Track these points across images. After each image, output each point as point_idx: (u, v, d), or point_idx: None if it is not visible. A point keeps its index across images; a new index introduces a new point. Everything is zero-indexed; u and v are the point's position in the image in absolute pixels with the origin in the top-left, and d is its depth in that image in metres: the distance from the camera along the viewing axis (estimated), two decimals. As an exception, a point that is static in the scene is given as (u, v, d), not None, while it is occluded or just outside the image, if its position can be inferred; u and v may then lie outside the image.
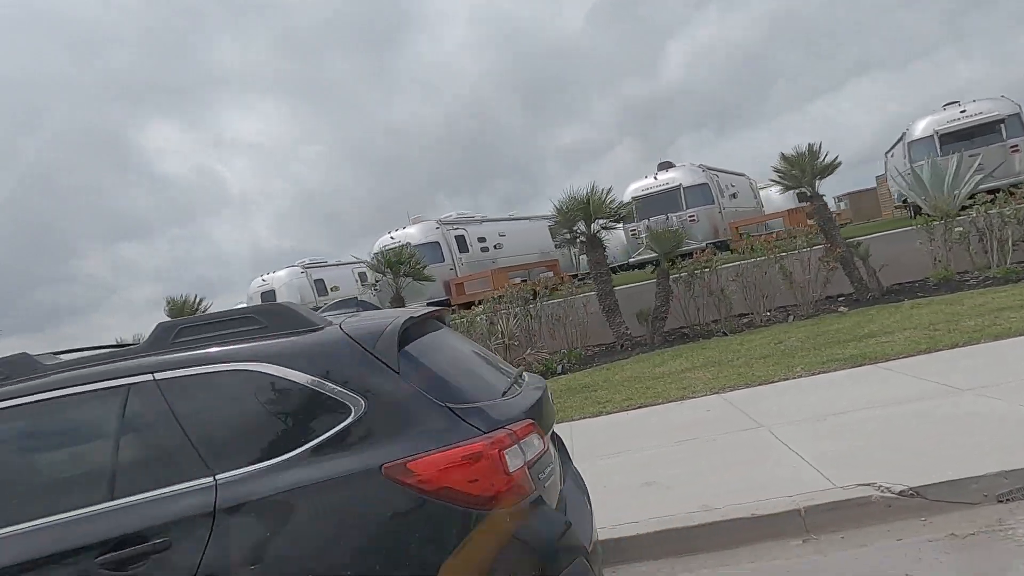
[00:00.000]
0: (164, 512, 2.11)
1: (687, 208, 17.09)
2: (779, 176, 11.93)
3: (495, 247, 18.90)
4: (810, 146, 11.50)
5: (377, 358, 2.30)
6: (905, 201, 18.97)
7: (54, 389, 2.38)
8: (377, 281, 12.49)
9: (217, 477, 2.15)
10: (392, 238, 17.89)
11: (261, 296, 21.41)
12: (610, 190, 11.95)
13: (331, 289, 21.54)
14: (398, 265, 11.70)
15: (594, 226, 11.89)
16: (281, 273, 21.10)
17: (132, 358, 2.43)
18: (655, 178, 17.98)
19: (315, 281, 21.10)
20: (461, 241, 18.05)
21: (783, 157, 11.64)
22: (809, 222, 14.16)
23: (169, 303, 13.42)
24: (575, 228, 12.09)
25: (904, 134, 17.56)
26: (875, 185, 35.61)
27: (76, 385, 2.38)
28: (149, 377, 2.33)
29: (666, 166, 18.13)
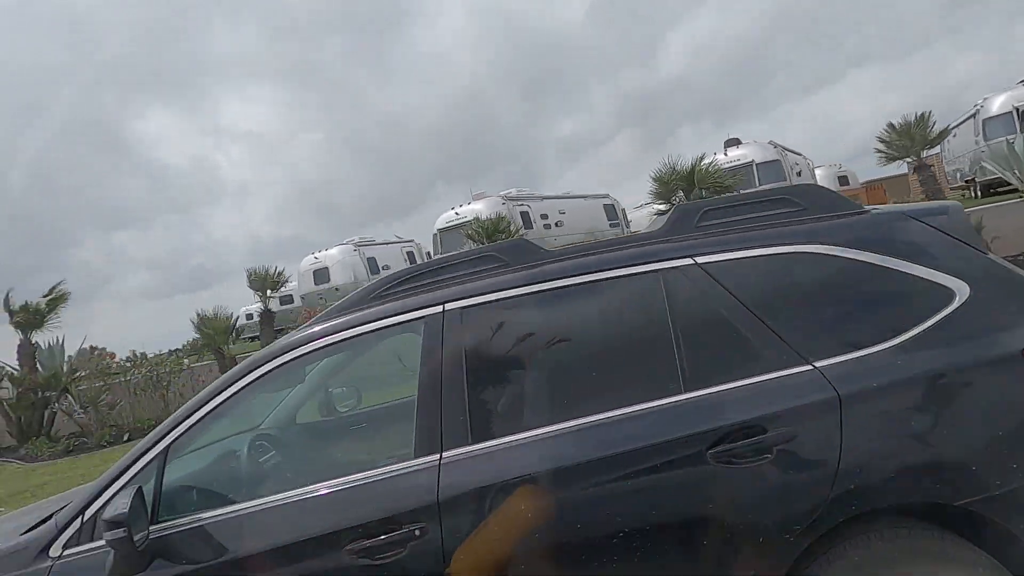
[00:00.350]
0: (774, 401, 1.90)
1: (760, 185, 16.86)
2: (885, 146, 11.73)
3: (556, 224, 18.69)
4: (921, 115, 11.32)
5: (959, 239, 2.09)
6: (968, 181, 18.80)
7: (577, 275, 2.17)
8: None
9: (818, 365, 1.94)
10: (457, 213, 17.66)
11: (314, 274, 21.20)
12: (713, 160, 11.76)
13: (383, 268, 21.29)
14: (497, 234, 11.46)
15: (696, 195, 11.68)
16: (333, 251, 20.85)
17: (656, 243, 2.21)
18: (725, 154, 17.75)
19: (368, 259, 20.86)
20: (525, 217, 17.83)
21: (891, 127, 11.45)
22: (889, 198, 13.97)
23: (250, 274, 13.20)
24: (673, 199, 11.88)
25: (977, 111, 17.32)
26: (902, 172, 35.51)
27: (601, 271, 2.16)
28: (689, 261, 2.12)
29: (734, 143, 17.88)
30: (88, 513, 2.01)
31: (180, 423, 2.12)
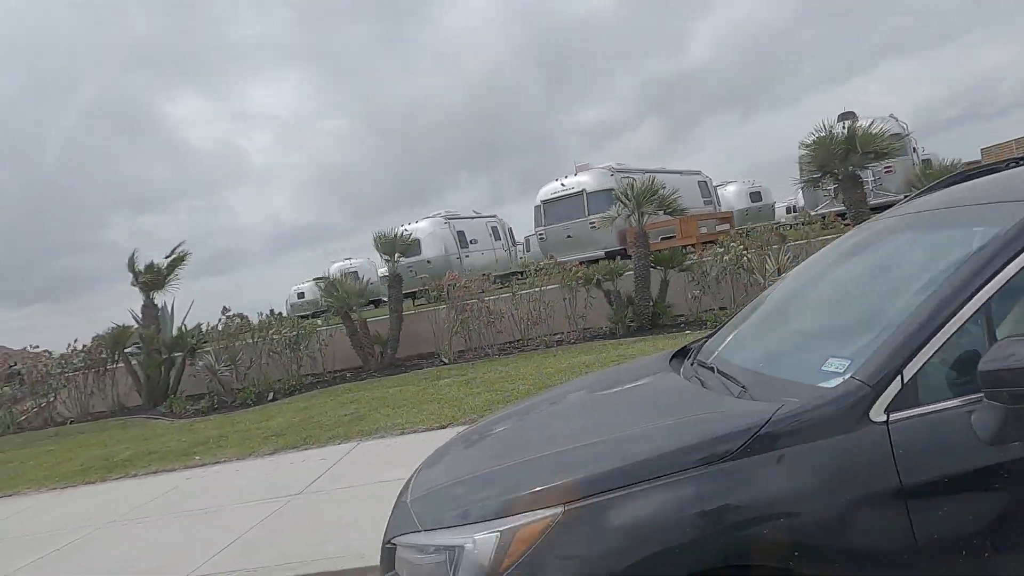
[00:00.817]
0: None
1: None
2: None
3: (658, 199, 18.22)
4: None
5: None
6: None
7: None
8: (614, 218, 11.75)
9: None
10: (563, 185, 17.33)
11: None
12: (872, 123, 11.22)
13: (470, 241, 21.10)
14: (651, 196, 11.05)
15: (854, 161, 11.14)
16: (423, 224, 20.67)
17: None
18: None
19: (457, 232, 20.67)
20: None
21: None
22: None
23: (378, 238, 13.04)
24: (827, 167, 11.36)
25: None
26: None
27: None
28: None
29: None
30: (908, 373, 1.71)
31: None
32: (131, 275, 13.88)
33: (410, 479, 2.71)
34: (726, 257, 11.16)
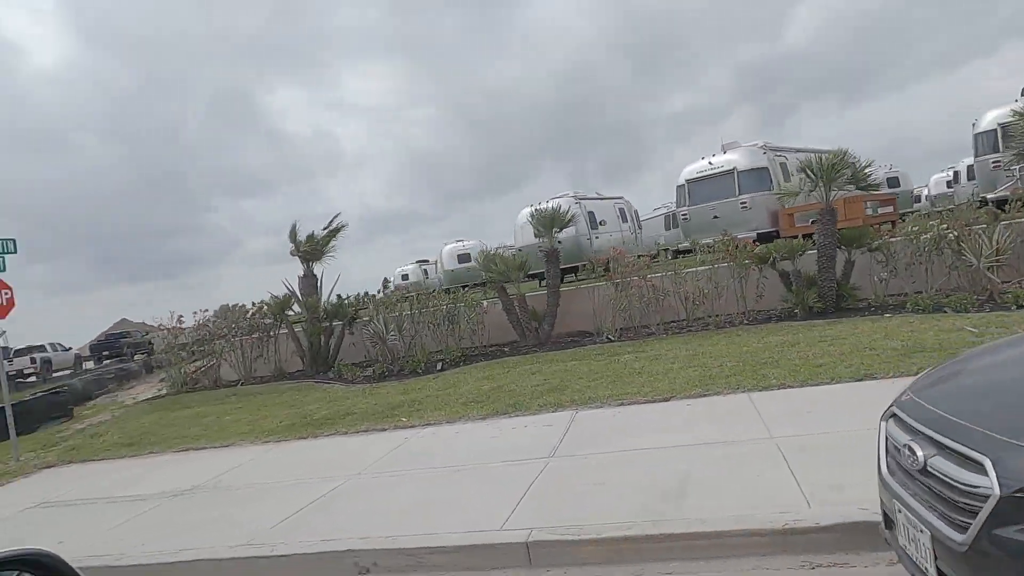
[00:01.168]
0: None
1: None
2: None
3: (809, 179, 17.20)
4: None
5: None
6: None
7: None
8: (796, 193, 11.09)
9: None
10: (710, 163, 16.64)
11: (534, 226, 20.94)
12: None
13: (600, 222, 20.74)
14: (835, 173, 10.31)
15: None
16: (556, 203, 20.40)
17: None
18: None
19: (588, 213, 20.34)
20: (784, 169, 16.51)
21: None
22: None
23: (534, 214, 12.90)
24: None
25: None
26: None
27: None
28: None
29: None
30: None
31: None
32: (291, 245, 14.38)
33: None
34: (923, 237, 10.28)
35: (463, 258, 32.73)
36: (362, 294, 13.16)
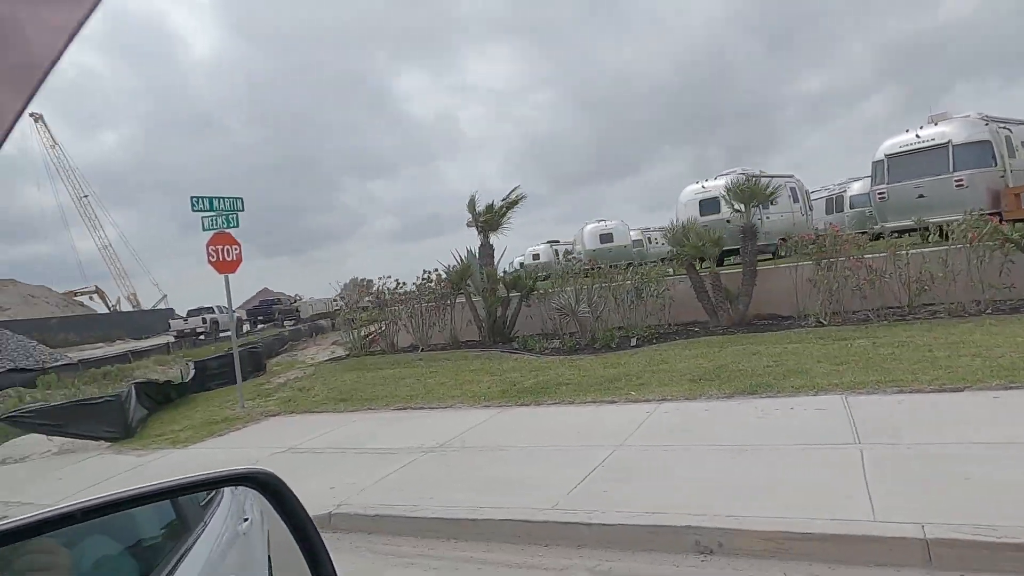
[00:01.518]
0: None
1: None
2: None
3: (1035, 156, 15.10)
4: None
5: None
6: None
7: None
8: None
9: None
10: (918, 136, 14.97)
11: (699, 204, 20.08)
12: None
13: (771, 202, 19.53)
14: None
15: None
16: (720, 181, 19.47)
17: None
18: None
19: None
20: (1008, 143, 14.55)
21: None
22: None
23: (733, 188, 12.07)
24: None
25: None
26: None
27: None
28: None
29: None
30: None
31: None
32: (469, 215, 14.40)
33: None
34: None
35: (605, 238, 32.15)
36: (516, 266, 12.91)
